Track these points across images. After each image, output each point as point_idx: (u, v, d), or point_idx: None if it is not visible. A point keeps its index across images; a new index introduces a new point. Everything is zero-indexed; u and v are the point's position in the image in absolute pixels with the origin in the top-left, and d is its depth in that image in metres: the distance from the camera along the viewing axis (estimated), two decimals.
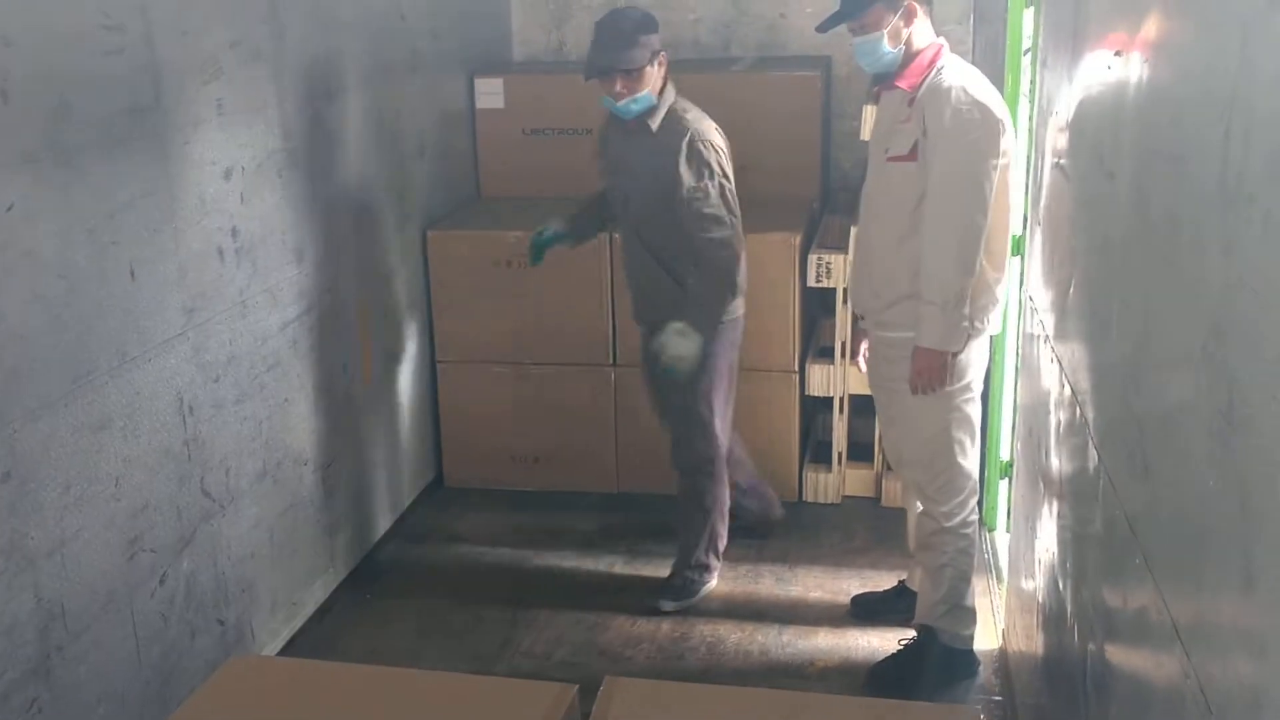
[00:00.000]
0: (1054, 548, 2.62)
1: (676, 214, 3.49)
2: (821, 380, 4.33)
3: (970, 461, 3.28)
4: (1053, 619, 2.63)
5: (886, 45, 3.11)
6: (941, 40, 3.19)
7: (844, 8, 3.16)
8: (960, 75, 3.09)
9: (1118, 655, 1.97)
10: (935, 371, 3.12)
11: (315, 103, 3.62)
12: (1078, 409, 2.37)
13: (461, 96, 4.83)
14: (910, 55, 3.14)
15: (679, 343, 3.47)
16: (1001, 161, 3.05)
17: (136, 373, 2.78)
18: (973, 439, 3.29)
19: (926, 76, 3.09)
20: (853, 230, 3.82)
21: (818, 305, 4.68)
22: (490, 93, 4.84)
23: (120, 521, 2.77)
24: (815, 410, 4.70)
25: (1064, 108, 2.65)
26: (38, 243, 2.48)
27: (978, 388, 3.27)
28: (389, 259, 4.20)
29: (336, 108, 3.77)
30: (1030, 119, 3.39)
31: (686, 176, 3.46)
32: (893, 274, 3.20)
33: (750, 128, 4.59)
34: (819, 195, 4.73)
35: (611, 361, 4.40)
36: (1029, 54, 3.62)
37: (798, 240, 4.20)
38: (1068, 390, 2.49)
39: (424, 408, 4.54)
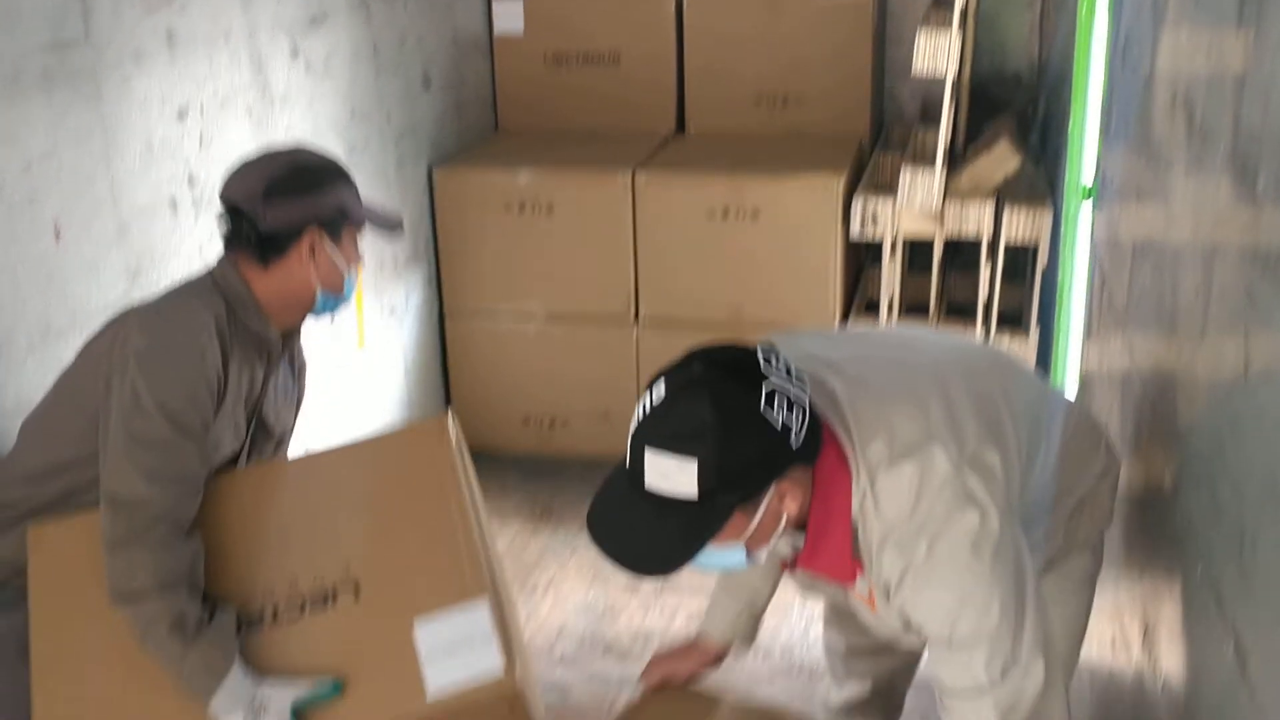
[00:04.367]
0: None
1: None
2: None
3: None
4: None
5: (742, 555, 1.71)
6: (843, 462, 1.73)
7: (654, 550, 1.65)
8: (903, 524, 1.71)
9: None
10: None
11: (294, 31, 3.21)
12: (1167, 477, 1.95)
13: (478, 20, 4.40)
14: (817, 529, 1.77)
15: None
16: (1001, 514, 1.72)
17: (64, 346, 2.43)
18: None
19: (852, 550, 1.77)
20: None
21: (864, 251, 4.24)
22: (508, 15, 4.39)
23: None
24: None
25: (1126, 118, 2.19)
26: None
27: None
28: (387, 201, 3.81)
29: (321, 36, 3.35)
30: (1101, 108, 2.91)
31: None
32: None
33: (793, 56, 4.16)
34: (869, 131, 4.26)
35: (634, 318, 4.00)
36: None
37: (840, 184, 3.75)
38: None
39: (432, 363, 4.18)
